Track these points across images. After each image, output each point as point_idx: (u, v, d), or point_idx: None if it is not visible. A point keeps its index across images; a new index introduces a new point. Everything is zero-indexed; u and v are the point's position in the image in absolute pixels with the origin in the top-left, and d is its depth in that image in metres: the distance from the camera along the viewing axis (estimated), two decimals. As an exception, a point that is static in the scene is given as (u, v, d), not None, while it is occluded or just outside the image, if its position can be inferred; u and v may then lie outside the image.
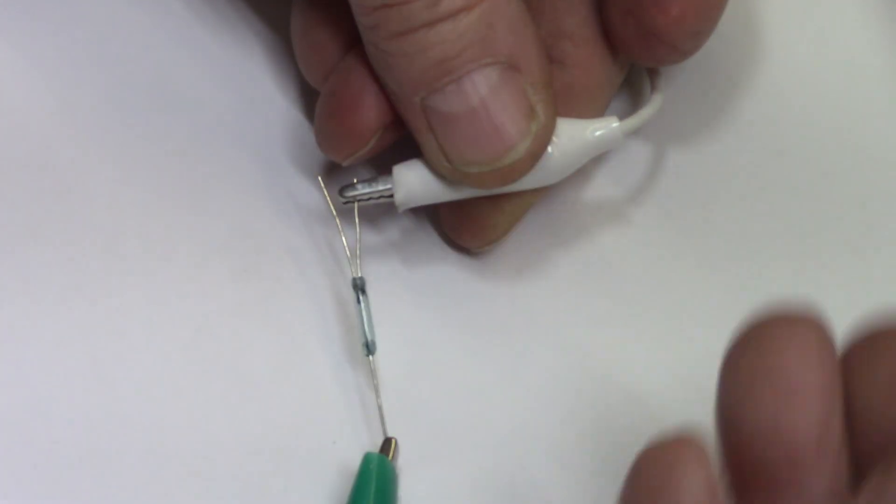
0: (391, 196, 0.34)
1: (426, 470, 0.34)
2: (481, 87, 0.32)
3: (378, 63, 0.33)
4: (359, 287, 0.34)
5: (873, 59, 0.39)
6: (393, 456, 0.33)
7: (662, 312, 0.36)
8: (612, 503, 0.25)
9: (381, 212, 0.36)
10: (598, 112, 0.36)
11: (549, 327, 0.36)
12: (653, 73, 0.37)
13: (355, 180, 0.35)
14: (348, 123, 0.34)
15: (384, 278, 0.36)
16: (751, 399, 0.25)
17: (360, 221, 0.35)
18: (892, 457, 0.24)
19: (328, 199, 0.35)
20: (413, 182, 0.34)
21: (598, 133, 0.34)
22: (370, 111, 0.34)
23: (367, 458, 0.33)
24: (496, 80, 0.32)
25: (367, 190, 0.35)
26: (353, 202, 0.35)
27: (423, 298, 0.36)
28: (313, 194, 0.37)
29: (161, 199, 0.37)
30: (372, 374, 0.34)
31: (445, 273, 0.36)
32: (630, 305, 0.36)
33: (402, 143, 0.34)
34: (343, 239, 0.35)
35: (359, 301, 0.34)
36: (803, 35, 0.40)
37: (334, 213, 0.35)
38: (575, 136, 0.34)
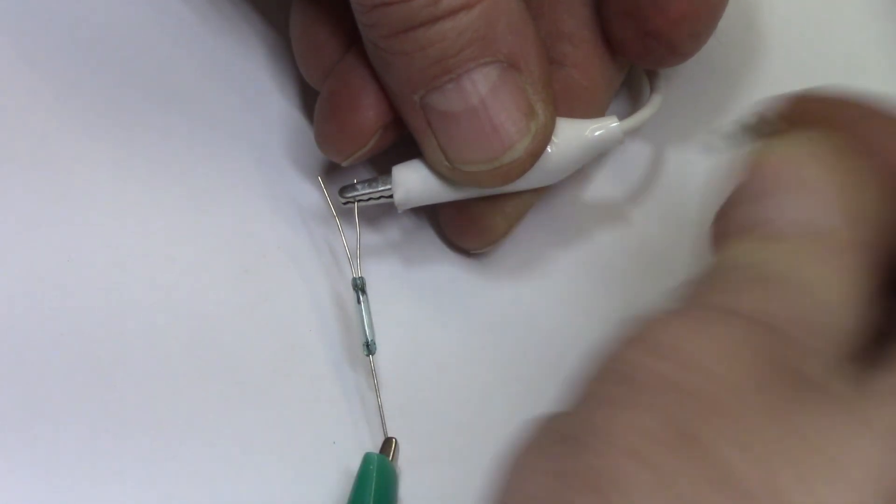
0: (391, 196, 0.34)
1: (426, 470, 0.34)
2: (481, 85, 0.32)
3: (377, 62, 0.33)
4: (359, 287, 0.34)
5: (873, 58, 0.39)
6: (393, 456, 0.33)
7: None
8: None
9: (381, 212, 0.36)
10: (597, 113, 0.36)
11: (549, 327, 0.36)
12: (652, 74, 0.37)
13: (355, 181, 0.35)
14: (348, 123, 0.34)
15: (384, 278, 0.36)
16: None
17: (360, 222, 0.35)
18: None
19: (328, 199, 0.35)
20: (413, 182, 0.34)
21: (597, 133, 0.34)
22: (369, 111, 0.34)
23: (367, 458, 0.33)
24: (496, 79, 0.32)
25: (367, 190, 0.35)
26: (353, 202, 0.35)
27: (423, 298, 0.36)
28: (313, 195, 0.37)
29: (161, 198, 0.37)
30: (372, 374, 0.34)
31: (445, 273, 0.36)
32: (630, 305, 0.36)
33: (401, 143, 0.34)
34: (343, 239, 0.35)
35: (359, 301, 0.34)
36: (803, 35, 0.40)
37: (334, 213, 0.35)
38: (574, 136, 0.34)
